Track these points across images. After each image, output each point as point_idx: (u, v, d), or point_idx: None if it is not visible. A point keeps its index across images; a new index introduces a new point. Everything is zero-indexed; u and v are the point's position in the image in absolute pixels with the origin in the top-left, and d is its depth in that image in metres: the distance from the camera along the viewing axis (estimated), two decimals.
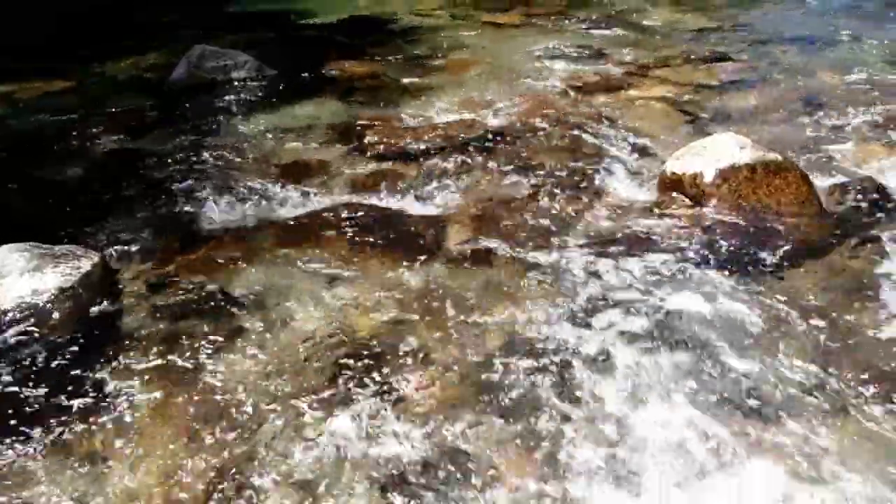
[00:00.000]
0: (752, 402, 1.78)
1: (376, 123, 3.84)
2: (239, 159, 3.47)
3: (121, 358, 2.11)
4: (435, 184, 3.08)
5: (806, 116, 3.65)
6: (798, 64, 4.60)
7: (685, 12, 6.62)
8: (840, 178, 2.90)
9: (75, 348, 2.15)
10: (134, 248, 2.73)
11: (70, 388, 1.98)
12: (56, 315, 2.26)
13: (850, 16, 6.03)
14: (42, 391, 1.97)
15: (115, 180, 3.31)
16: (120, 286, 2.51)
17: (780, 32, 5.58)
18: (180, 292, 2.40)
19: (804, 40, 5.28)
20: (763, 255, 2.41)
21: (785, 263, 2.37)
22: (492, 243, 2.57)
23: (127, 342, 2.19)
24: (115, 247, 2.74)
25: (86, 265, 2.48)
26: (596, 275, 2.34)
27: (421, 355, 2.01)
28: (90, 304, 2.37)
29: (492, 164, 3.23)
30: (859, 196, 2.74)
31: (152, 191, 3.17)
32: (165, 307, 2.34)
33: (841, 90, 4.01)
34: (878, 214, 2.64)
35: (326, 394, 1.90)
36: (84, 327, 2.26)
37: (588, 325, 2.10)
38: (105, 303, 2.39)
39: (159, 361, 2.08)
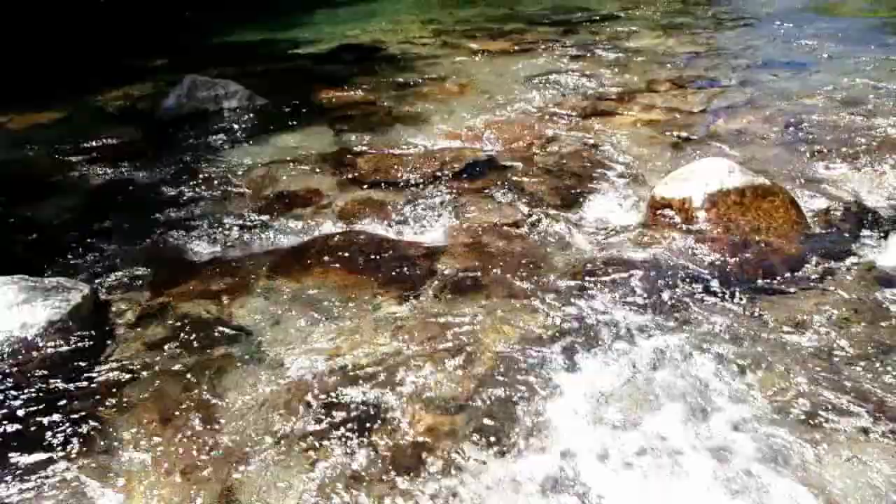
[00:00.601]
0: (746, 427, 1.77)
1: (367, 152, 3.87)
2: (230, 189, 3.47)
3: (111, 392, 2.09)
4: (426, 212, 3.09)
5: (791, 139, 3.69)
6: (781, 87, 4.67)
7: (669, 38, 6.73)
8: (827, 201, 2.93)
9: (65, 382, 2.13)
10: (125, 280, 2.71)
11: (60, 422, 1.96)
12: (46, 348, 2.24)
13: (831, 39, 6.14)
14: (32, 425, 1.95)
15: (106, 211, 3.31)
16: (111, 318, 2.49)
17: (763, 56, 5.67)
18: (171, 324, 2.39)
19: (786, 64, 5.37)
20: (753, 278, 2.43)
21: (774, 286, 2.38)
22: (484, 271, 2.57)
23: (117, 375, 2.16)
24: (106, 279, 2.73)
25: (76, 298, 2.47)
26: (587, 302, 2.34)
27: (414, 388, 2.00)
28: (80, 336, 2.35)
29: (483, 191, 3.24)
30: (845, 218, 2.77)
31: (143, 222, 3.16)
32: (156, 340, 2.33)
33: (824, 113, 4.06)
34: (864, 236, 2.66)
35: (319, 428, 1.88)
36: (74, 360, 2.24)
37: (581, 354, 2.09)
38: (95, 335, 2.37)
39: (150, 395, 2.06)
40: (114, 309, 2.54)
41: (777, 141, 3.69)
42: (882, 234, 2.67)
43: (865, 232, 2.68)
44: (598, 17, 8.24)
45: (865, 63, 5.28)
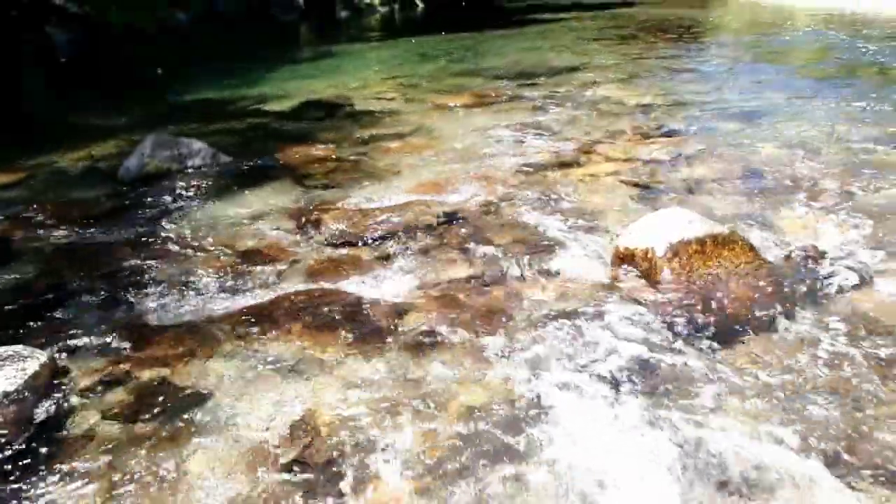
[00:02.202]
0: (713, 472, 1.77)
1: (332, 208, 3.87)
2: (193, 250, 3.43)
3: (69, 464, 2.01)
4: (391, 268, 3.08)
5: (748, 187, 3.79)
6: (739, 136, 4.82)
7: (629, 89, 6.93)
8: (785, 247, 3.00)
9: (20, 455, 2.04)
10: (84, 347, 2.64)
11: (13, 497, 1.87)
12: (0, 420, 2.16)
13: (781, 88, 6.40)
14: None
15: (64, 276, 3.24)
16: (69, 387, 2.41)
17: (717, 106, 5.87)
18: (130, 392, 2.32)
19: (740, 113, 5.56)
20: (716, 327, 2.45)
21: (738, 334, 2.41)
22: (449, 328, 2.56)
23: (75, 447, 2.09)
24: (65, 346, 2.65)
25: (32, 366, 2.39)
26: (553, 356, 2.34)
27: (381, 450, 1.96)
28: (37, 407, 2.27)
29: (447, 246, 3.26)
30: (804, 263, 2.83)
31: (103, 286, 3.10)
32: (117, 408, 2.25)
33: (778, 160, 4.19)
34: (823, 281, 2.71)
35: (283, 495, 1.83)
36: (30, 432, 2.15)
37: (547, 411, 2.08)
38: (53, 406, 2.29)
39: (109, 467, 1.99)
40: (72, 377, 2.47)
41: (735, 189, 3.79)
42: (839, 278, 2.73)
43: (823, 276, 2.74)
44: (557, 71, 8.48)
45: (815, 110, 5.50)
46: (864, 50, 9.03)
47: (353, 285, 2.96)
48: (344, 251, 3.31)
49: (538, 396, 2.14)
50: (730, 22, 16.67)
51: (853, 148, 4.37)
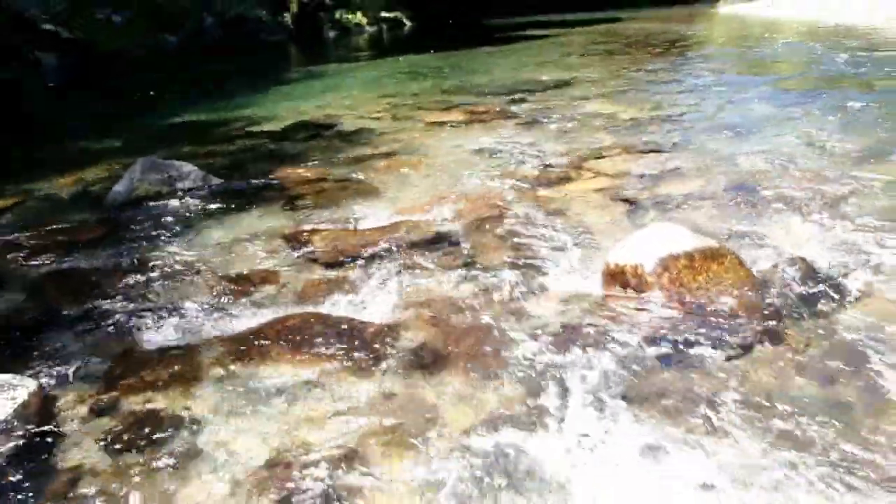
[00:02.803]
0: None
1: (324, 229, 3.87)
2: (184, 273, 3.42)
3: (60, 495, 1.98)
4: (384, 288, 3.08)
5: (735, 200, 3.82)
6: (723, 149, 4.86)
7: (616, 104, 7.00)
8: (773, 261, 3.01)
9: (10, 486, 2.02)
10: (74, 374, 2.62)
11: None
12: None
13: (765, 100, 6.47)
14: None
15: (53, 302, 3.22)
16: (59, 415, 2.39)
17: (703, 120, 5.93)
18: (121, 419, 2.30)
19: (729, 126, 5.61)
20: (707, 341, 2.46)
21: (727, 348, 2.41)
22: (443, 348, 2.56)
23: (67, 476, 2.06)
24: (55, 373, 2.63)
25: (22, 395, 2.37)
26: (548, 375, 2.33)
27: (377, 474, 1.95)
28: (27, 436, 2.25)
29: (439, 265, 3.26)
30: (793, 277, 2.84)
31: (93, 312, 3.08)
32: (105, 436, 2.23)
33: (765, 173, 4.23)
34: (812, 293, 2.73)
35: None
36: (20, 462, 2.13)
37: (546, 430, 2.07)
38: (43, 434, 2.27)
39: (99, 496, 1.96)
40: (62, 405, 2.44)
41: (722, 202, 3.81)
42: (828, 290, 2.75)
43: (811, 288, 2.76)
44: (545, 86, 8.56)
45: (799, 121, 5.56)
46: (845, 61, 9.15)
47: (343, 307, 2.96)
48: (334, 272, 3.31)
49: (531, 415, 2.14)
50: (715, 35, 16.87)
51: (837, 159, 4.42)
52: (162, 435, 2.21)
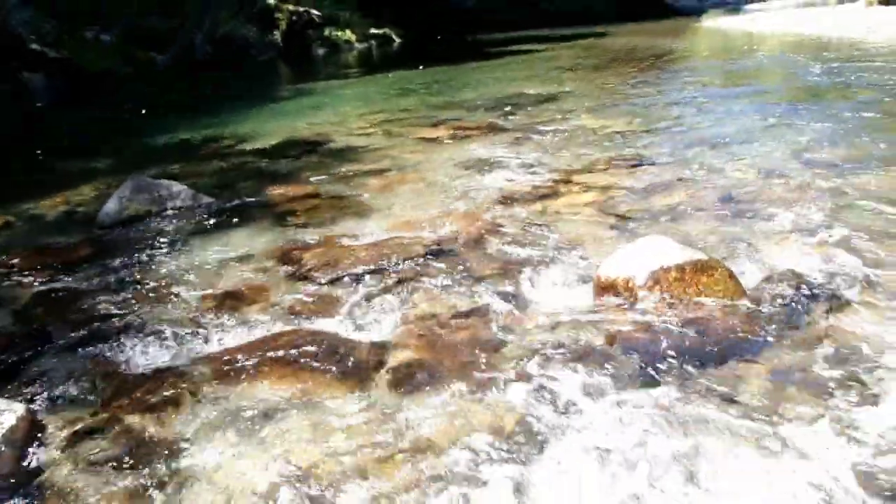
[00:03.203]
0: None
1: (314, 246, 3.87)
2: (174, 293, 3.41)
3: None
4: (375, 305, 3.07)
5: (724, 212, 3.85)
6: (711, 161, 4.90)
7: (604, 118, 7.05)
8: (763, 272, 3.04)
9: None
10: (62, 397, 2.60)
11: None
12: None
13: (752, 112, 6.53)
14: None
15: (41, 324, 3.20)
16: (48, 439, 2.36)
17: (691, 132, 5.97)
18: (111, 443, 2.28)
19: (716, 139, 5.66)
20: (699, 353, 2.46)
21: (719, 361, 2.42)
22: (435, 365, 2.55)
23: (54, 502, 2.04)
24: (43, 396, 2.60)
25: (9, 420, 2.34)
26: (539, 392, 2.33)
27: (369, 495, 1.94)
28: (14, 461, 2.22)
29: (430, 282, 3.26)
30: (782, 288, 2.86)
31: (82, 333, 3.06)
32: (95, 460, 2.21)
33: (752, 185, 4.27)
34: (801, 305, 2.74)
35: None
36: (8, 488, 2.10)
37: (533, 449, 2.07)
38: (31, 459, 2.25)
39: None
40: (50, 429, 2.42)
41: (711, 215, 3.84)
42: (817, 302, 2.76)
43: (801, 300, 2.77)
44: (533, 101, 8.61)
45: (785, 133, 5.62)
46: (827, 72, 9.27)
47: (334, 324, 2.95)
48: (325, 290, 3.30)
49: (524, 433, 2.13)
50: (700, 49, 17.04)
51: (823, 170, 4.46)
52: (151, 458, 2.19)
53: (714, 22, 27.03)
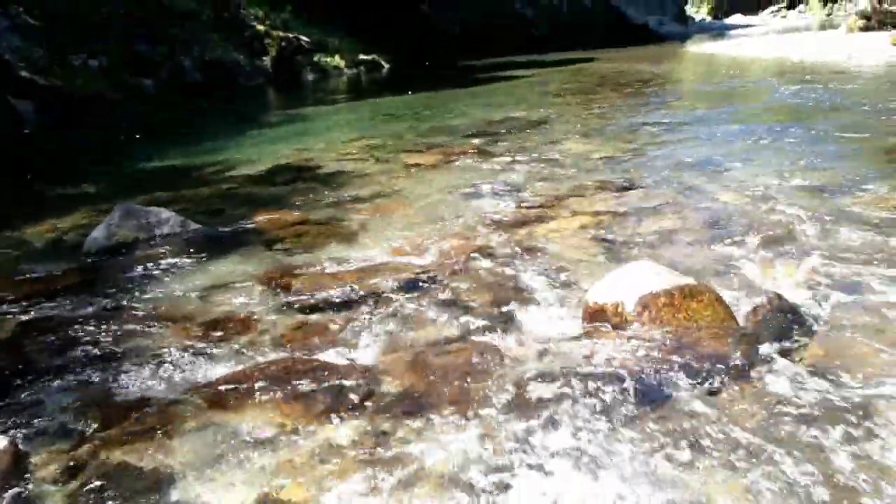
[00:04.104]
0: None
1: (303, 272, 3.85)
2: (161, 321, 3.38)
3: None
4: (364, 332, 3.06)
5: (712, 237, 3.88)
6: (700, 187, 4.94)
7: (591, 143, 7.11)
8: (751, 297, 3.05)
9: None
10: (48, 428, 2.55)
11: None
12: None
13: (737, 137, 6.61)
14: None
15: (26, 353, 3.15)
16: (32, 472, 2.32)
17: (678, 157, 6.03)
18: (97, 475, 2.24)
19: (702, 163, 5.72)
20: (688, 378, 2.47)
21: (710, 386, 2.42)
22: (425, 393, 2.54)
23: None
24: (27, 428, 2.56)
25: None
26: (529, 420, 2.32)
27: None
28: None
29: (419, 308, 3.25)
30: (770, 313, 2.88)
31: (69, 362, 3.02)
32: (80, 493, 2.17)
33: (740, 209, 4.31)
34: (789, 329, 2.76)
35: None
36: None
37: (521, 477, 2.05)
38: (15, 493, 2.20)
39: None
40: (35, 461, 2.38)
41: (699, 239, 3.87)
42: (804, 326, 2.78)
43: (789, 326, 2.79)
44: (522, 127, 8.68)
45: (770, 157, 5.70)
46: (812, 97, 9.42)
47: (323, 353, 2.93)
48: (314, 317, 3.29)
49: (514, 461, 2.12)
50: (686, 74, 17.28)
51: (808, 193, 4.52)
52: (137, 491, 2.15)
53: (699, 47, 27.47)
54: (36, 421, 2.61)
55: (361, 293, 3.46)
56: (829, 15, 55.33)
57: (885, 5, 17.34)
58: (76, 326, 3.40)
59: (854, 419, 2.18)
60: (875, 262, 3.29)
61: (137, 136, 10.48)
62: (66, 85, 14.65)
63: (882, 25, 17.96)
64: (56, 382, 2.89)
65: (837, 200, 4.29)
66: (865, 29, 19.55)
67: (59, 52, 15.73)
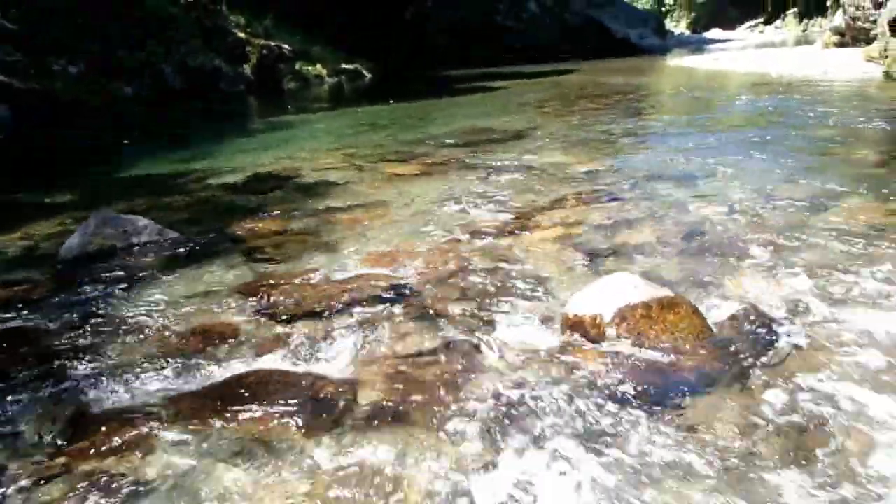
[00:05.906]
0: None
1: (283, 282, 3.83)
2: (138, 330, 3.34)
3: None
4: (343, 344, 3.04)
5: (689, 249, 3.91)
6: (676, 199, 4.99)
7: (571, 155, 7.15)
8: (727, 309, 3.08)
9: None
10: (18, 442, 2.51)
11: None
12: None
13: (714, 153, 6.68)
14: None
15: (0, 364, 3.10)
16: (5, 483, 2.28)
17: (657, 171, 6.08)
18: (70, 488, 2.21)
19: (681, 176, 5.78)
20: (665, 389, 2.48)
21: (685, 398, 2.44)
22: (403, 404, 2.53)
23: None
24: (0, 441, 2.52)
25: None
26: (507, 432, 2.32)
27: None
28: None
29: (398, 319, 3.24)
30: (745, 324, 2.91)
31: (43, 373, 2.97)
32: None
33: (717, 222, 4.35)
34: (764, 340, 2.79)
35: None
36: None
37: (499, 489, 2.05)
38: None
39: None
40: (7, 475, 2.33)
41: (677, 251, 3.90)
42: (780, 338, 2.81)
43: (765, 336, 2.82)
44: (503, 138, 8.72)
45: (747, 170, 5.76)
46: (789, 111, 9.57)
47: (303, 363, 2.91)
48: (294, 327, 3.26)
49: (492, 473, 2.12)
50: (666, 86, 17.47)
51: (785, 205, 4.57)
52: (111, 503, 2.13)
53: (679, 61, 27.78)
54: (10, 433, 2.57)
55: (340, 304, 3.45)
56: (804, 31, 56.25)
57: (859, 22, 17.68)
58: (50, 335, 3.35)
59: (832, 431, 2.21)
60: (852, 274, 3.34)
61: (125, 142, 10.38)
62: (44, 89, 14.51)
63: (856, 41, 18.29)
64: (29, 392, 2.84)
65: (815, 212, 4.36)
66: (840, 45, 19.89)
67: (38, 56, 15.57)
